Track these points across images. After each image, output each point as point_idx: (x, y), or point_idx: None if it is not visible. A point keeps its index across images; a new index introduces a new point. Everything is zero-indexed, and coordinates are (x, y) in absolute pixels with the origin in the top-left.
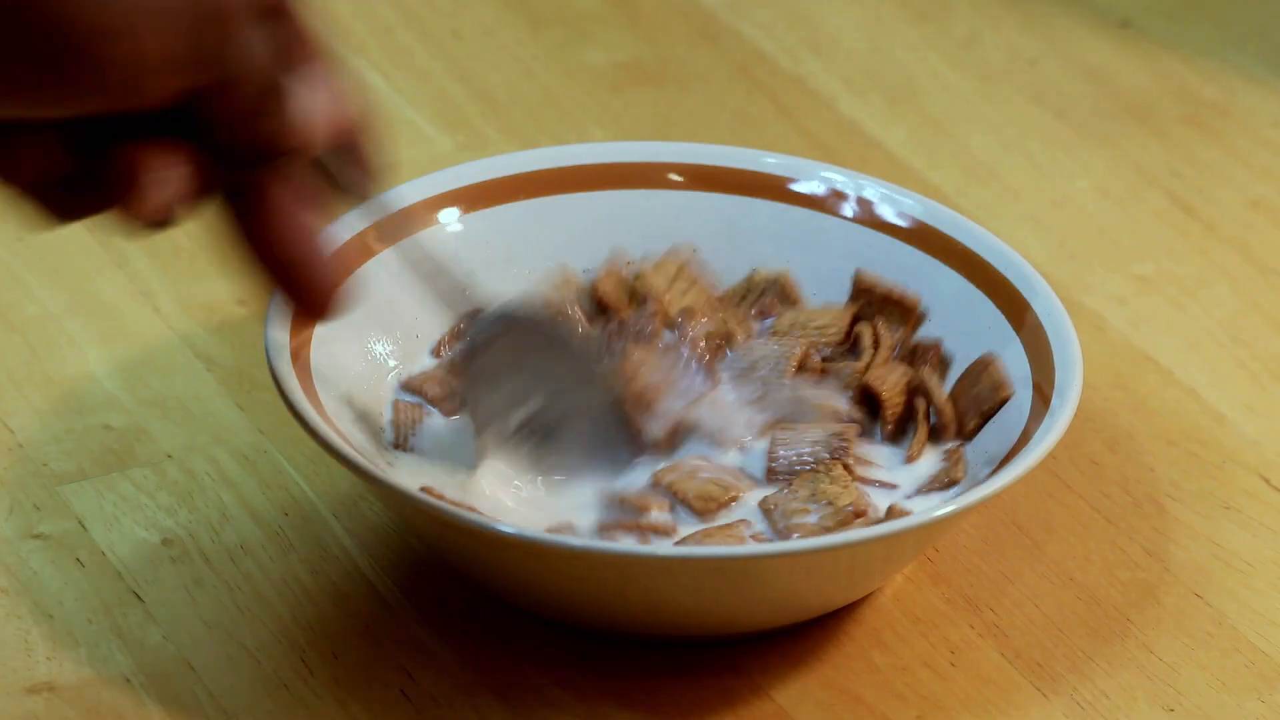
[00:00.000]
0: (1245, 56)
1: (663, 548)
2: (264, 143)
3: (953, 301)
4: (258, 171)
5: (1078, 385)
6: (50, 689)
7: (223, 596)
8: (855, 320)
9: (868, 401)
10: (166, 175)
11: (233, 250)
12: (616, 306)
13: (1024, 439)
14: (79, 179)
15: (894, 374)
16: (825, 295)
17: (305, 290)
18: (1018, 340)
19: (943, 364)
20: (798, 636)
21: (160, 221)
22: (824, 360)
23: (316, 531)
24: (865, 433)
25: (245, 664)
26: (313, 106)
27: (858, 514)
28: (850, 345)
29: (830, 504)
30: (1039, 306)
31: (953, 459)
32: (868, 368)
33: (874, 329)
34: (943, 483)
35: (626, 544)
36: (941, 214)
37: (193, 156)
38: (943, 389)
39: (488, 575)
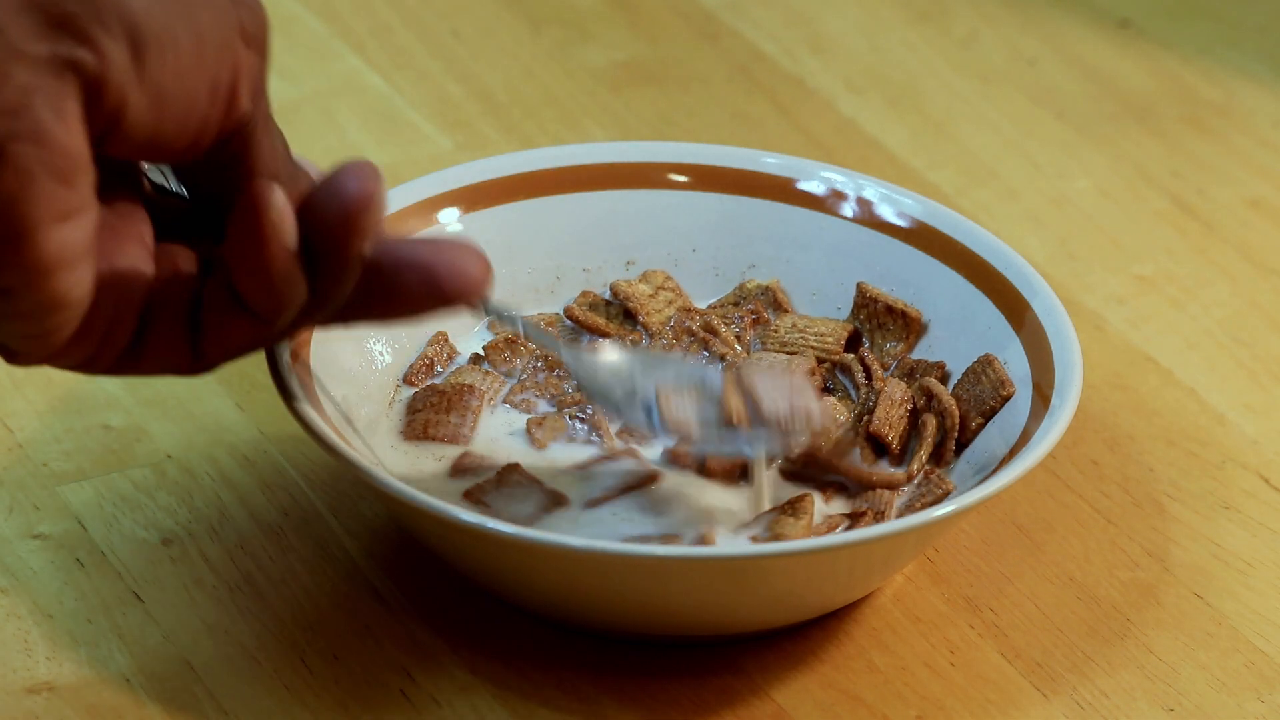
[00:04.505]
0: (1245, 56)
1: (663, 548)
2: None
3: (953, 301)
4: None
5: (1078, 385)
6: (50, 689)
7: (223, 596)
8: (854, 336)
9: (872, 440)
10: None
11: None
12: (591, 326)
13: (1024, 439)
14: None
15: (896, 409)
16: (824, 296)
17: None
18: (1018, 340)
19: (945, 382)
20: (798, 636)
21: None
22: (825, 390)
23: (316, 531)
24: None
25: (245, 664)
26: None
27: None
28: (845, 368)
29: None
30: (1039, 306)
31: (934, 482)
32: (865, 405)
33: (861, 359)
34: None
35: (626, 544)
36: (941, 214)
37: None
38: (954, 411)
39: (488, 575)
